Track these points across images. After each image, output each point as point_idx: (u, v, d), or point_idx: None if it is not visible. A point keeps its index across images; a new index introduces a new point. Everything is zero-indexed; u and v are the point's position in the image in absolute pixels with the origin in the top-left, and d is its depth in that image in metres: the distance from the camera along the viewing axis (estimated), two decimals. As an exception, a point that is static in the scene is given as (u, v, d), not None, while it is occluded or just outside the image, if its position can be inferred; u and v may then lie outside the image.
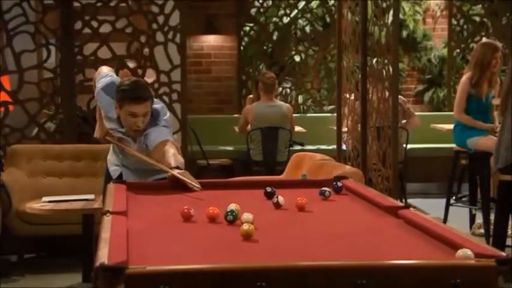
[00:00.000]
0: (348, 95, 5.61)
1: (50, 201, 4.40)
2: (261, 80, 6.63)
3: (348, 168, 3.97)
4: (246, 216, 2.44)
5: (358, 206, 2.75)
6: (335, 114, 7.92)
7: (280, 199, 2.75)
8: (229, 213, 2.49)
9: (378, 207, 2.64)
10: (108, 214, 2.49)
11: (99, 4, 5.60)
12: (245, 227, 2.25)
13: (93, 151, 5.27)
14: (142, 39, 5.68)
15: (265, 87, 6.56)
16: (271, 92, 6.57)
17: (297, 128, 6.90)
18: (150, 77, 5.63)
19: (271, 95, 6.58)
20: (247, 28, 8.29)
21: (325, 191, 2.90)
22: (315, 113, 8.28)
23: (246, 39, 8.34)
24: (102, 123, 3.52)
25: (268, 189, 2.95)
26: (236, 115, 7.50)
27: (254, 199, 2.92)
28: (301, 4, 8.04)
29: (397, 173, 3.92)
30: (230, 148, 7.24)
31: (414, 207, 2.49)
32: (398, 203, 2.56)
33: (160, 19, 5.64)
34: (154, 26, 5.65)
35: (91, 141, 5.20)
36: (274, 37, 8.14)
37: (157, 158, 3.22)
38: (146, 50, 5.64)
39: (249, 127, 6.65)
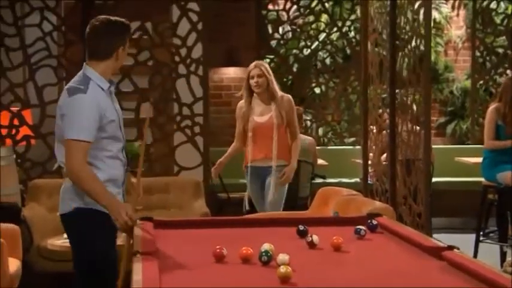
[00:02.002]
0: (373, 127, 5.52)
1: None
2: None
3: (378, 204, 3.85)
4: (282, 257, 2.33)
5: (397, 246, 2.64)
6: (357, 147, 7.88)
7: (315, 238, 2.65)
8: (264, 254, 2.39)
9: (418, 248, 2.52)
10: (138, 255, 2.40)
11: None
12: (282, 269, 2.15)
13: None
14: (165, 71, 5.63)
15: None
16: (296, 125, 6.48)
17: (319, 161, 6.79)
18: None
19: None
20: (268, 60, 8.24)
21: (361, 229, 2.79)
22: (335, 145, 8.18)
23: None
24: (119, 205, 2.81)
25: (301, 227, 2.85)
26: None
27: (286, 238, 2.81)
28: (322, 36, 7.99)
29: (429, 209, 3.80)
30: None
31: (458, 248, 2.37)
32: (441, 244, 2.44)
33: (183, 51, 5.60)
34: (177, 58, 5.61)
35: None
36: (294, 69, 8.09)
37: None
38: None
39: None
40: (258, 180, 4.90)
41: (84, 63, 2.86)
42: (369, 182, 6.73)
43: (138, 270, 2.19)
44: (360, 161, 7.13)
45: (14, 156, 5.09)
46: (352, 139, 8.10)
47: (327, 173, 7.16)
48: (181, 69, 5.63)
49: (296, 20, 7.83)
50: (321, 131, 8.29)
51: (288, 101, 4.84)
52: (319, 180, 6.82)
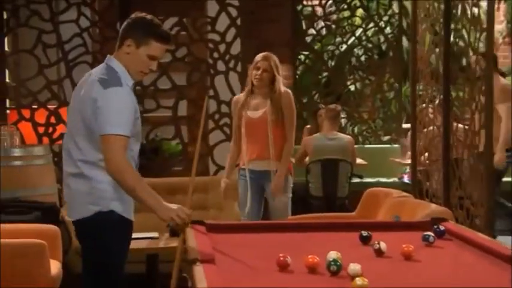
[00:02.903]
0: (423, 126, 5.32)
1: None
2: (325, 111, 6.40)
3: (434, 207, 3.67)
4: (354, 267, 2.18)
5: (471, 255, 2.46)
6: (394, 145, 7.71)
7: (383, 246, 2.48)
8: (333, 263, 2.23)
9: (495, 257, 2.34)
10: (198, 263, 2.26)
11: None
12: (359, 281, 1.99)
13: (151, 185, 5.03)
14: (203, 68, 5.50)
15: (328, 119, 6.31)
16: (334, 123, 6.31)
17: (358, 160, 6.62)
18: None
19: (333, 126, 6.33)
20: (302, 57, 8.09)
21: (429, 236, 2.62)
22: (369, 144, 8.00)
23: (300, 68, 8.14)
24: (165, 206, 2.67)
25: (364, 233, 2.69)
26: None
27: (348, 244, 2.65)
28: (358, 31, 7.81)
29: (492, 212, 3.61)
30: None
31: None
32: (524, 254, 2.26)
33: (221, 48, 5.47)
34: (215, 54, 5.47)
35: (149, 175, 5.01)
36: (329, 66, 7.92)
37: None
38: None
39: (307, 159, 6.40)
40: (253, 186, 4.24)
41: (109, 55, 2.72)
42: (405, 181, 6.57)
43: (202, 280, 2.05)
44: (399, 160, 6.98)
45: (51, 155, 4.99)
46: (387, 137, 7.92)
47: (363, 173, 6.99)
48: (220, 65, 5.49)
49: (330, 16, 7.67)
50: (355, 129, 8.12)
51: (286, 96, 4.17)
52: (356, 180, 6.66)
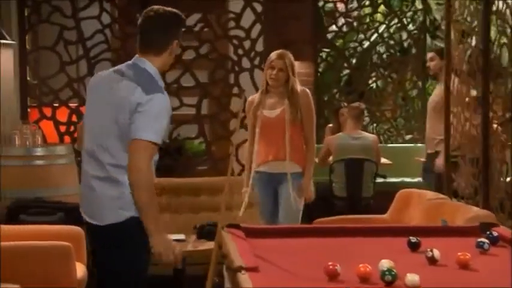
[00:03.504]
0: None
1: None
2: (348, 109, 6.27)
3: (476, 210, 3.52)
4: (412, 277, 2.04)
5: (531, 263, 2.31)
6: (419, 144, 7.57)
7: (436, 253, 2.34)
8: (387, 273, 2.09)
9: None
10: (243, 272, 2.13)
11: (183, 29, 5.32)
12: (421, 294, 1.85)
13: (176, 185, 4.94)
14: (227, 65, 5.37)
15: (352, 117, 6.17)
16: (357, 122, 6.18)
17: (382, 160, 6.48)
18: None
19: (357, 125, 6.19)
20: (324, 54, 7.95)
21: (484, 243, 2.48)
22: (391, 143, 7.85)
23: (322, 65, 8.00)
24: None
25: (413, 239, 2.55)
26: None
27: (396, 251, 2.51)
28: (381, 28, 7.67)
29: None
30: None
31: None
32: None
33: (246, 44, 5.33)
34: (240, 51, 5.34)
35: (173, 175, 4.90)
36: (352, 63, 7.78)
37: None
38: None
39: (330, 158, 6.27)
40: (268, 189, 4.04)
41: (137, 56, 2.60)
42: (430, 181, 6.44)
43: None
44: (424, 159, 6.83)
45: (74, 154, 4.87)
46: (408, 136, 7.79)
47: (386, 172, 6.85)
48: (245, 62, 5.36)
49: (351, 13, 7.54)
50: (377, 128, 7.97)
51: (305, 95, 3.96)
52: (379, 180, 6.52)
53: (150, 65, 2.56)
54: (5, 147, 4.64)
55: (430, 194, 4.07)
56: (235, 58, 5.35)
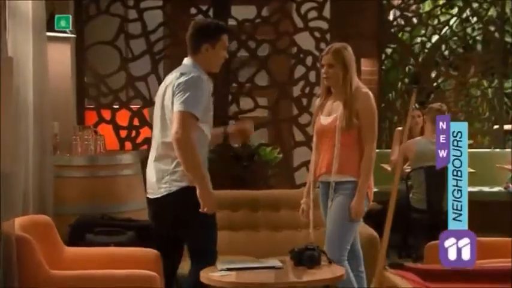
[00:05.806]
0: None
1: (228, 269, 3.42)
2: (428, 111, 5.72)
3: None
4: None
5: None
6: (496, 150, 6.97)
7: None
8: None
9: None
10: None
11: (257, 20, 4.72)
12: None
13: (253, 198, 4.33)
14: (308, 61, 4.77)
15: (432, 120, 5.61)
16: (438, 125, 5.59)
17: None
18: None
19: (438, 128, 5.60)
20: (389, 50, 7.40)
21: None
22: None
23: (386, 62, 7.46)
24: None
25: None
26: (378, 150, 6.52)
27: None
28: (453, 22, 7.11)
29: None
30: (375, 189, 6.23)
31: None
32: None
33: (329, 36, 4.74)
34: (323, 45, 4.73)
35: (245, 186, 4.31)
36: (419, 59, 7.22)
37: None
38: None
39: (406, 166, 5.70)
40: (324, 201, 3.59)
41: (186, 58, 3.24)
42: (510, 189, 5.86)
43: None
44: (508, 166, 6.26)
45: (140, 164, 4.29)
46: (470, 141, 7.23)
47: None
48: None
49: (415, 6, 7.00)
50: (444, 130, 7.38)
51: (363, 97, 3.42)
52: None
53: (193, 63, 3.21)
54: (63, 156, 4.08)
55: None
56: (317, 54, 4.73)
